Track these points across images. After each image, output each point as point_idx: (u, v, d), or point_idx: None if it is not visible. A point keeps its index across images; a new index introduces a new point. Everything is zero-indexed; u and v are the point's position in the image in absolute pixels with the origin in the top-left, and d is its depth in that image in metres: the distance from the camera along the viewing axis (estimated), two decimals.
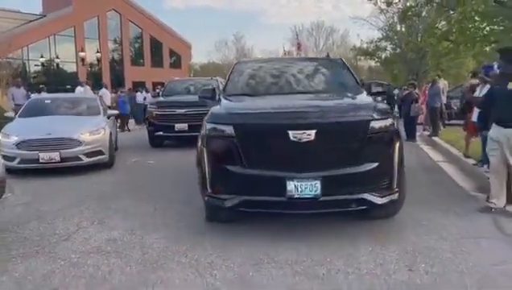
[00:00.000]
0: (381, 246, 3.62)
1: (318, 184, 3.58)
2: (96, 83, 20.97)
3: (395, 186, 3.83)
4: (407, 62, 26.27)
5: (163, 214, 4.77)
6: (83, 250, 3.73)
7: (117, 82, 31.74)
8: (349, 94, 4.66)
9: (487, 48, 10.68)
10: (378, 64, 30.77)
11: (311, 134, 3.60)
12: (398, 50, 27.50)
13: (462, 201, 5.06)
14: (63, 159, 6.92)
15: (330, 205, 3.71)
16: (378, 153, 3.76)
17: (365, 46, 28.09)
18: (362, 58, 31.33)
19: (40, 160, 6.83)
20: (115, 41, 36.48)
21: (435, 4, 10.77)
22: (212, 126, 3.96)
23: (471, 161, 6.86)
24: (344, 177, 3.67)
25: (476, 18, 9.65)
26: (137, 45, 38.79)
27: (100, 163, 7.39)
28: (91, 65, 32.29)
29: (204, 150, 3.95)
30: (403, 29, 26.65)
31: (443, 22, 12.35)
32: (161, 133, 10.39)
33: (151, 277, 3.18)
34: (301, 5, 75.98)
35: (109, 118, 8.58)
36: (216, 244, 3.76)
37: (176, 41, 41.09)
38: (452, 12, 9.58)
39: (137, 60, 38.30)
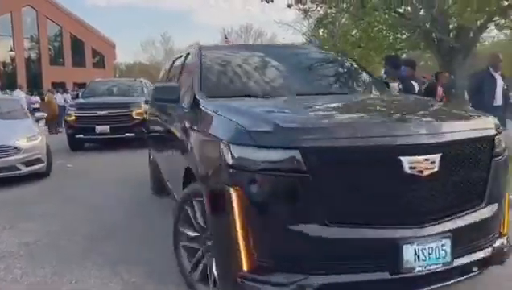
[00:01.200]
0: None
1: (448, 242, 2.21)
2: (9, 83, 19.60)
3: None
4: None
5: (82, 217, 4.80)
6: None
7: (35, 83, 29.89)
8: (386, 93, 3.72)
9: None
10: None
11: (435, 162, 2.18)
12: None
13: None
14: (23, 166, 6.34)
15: (462, 272, 2.34)
16: (499, 183, 2.51)
17: None
18: None
19: None
20: (32, 39, 34.24)
21: (347, 13, 11.65)
22: (252, 151, 2.18)
23: None
24: (476, 226, 2.37)
25: (383, 27, 10.62)
26: (56, 44, 36.74)
27: (39, 173, 6.74)
28: (4, 64, 30.11)
29: (234, 196, 2.18)
30: (325, 35, 28.06)
31: (355, 31, 13.34)
32: (81, 136, 10.12)
33: (66, 277, 3.27)
34: (230, 7, 76.73)
35: (37, 121, 8.05)
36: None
37: (99, 40, 39.55)
38: (361, 21, 10.42)
39: (56, 59, 36.26)
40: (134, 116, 10.16)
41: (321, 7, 12.28)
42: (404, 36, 10.78)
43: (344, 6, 11.03)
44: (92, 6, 71.50)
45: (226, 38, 35.30)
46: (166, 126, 4.12)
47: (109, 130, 9.97)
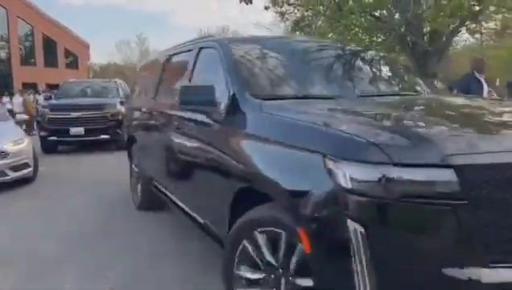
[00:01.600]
0: None
1: None
2: None
3: None
4: None
5: (55, 221, 4.65)
6: None
7: (5, 83, 28.97)
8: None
9: None
10: None
11: None
12: None
13: None
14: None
15: None
16: None
17: None
18: None
19: None
20: (1, 38, 33.21)
21: (323, 17, 11.76)
22: (384, 171, 1.64)
23: None
24: None
25: (360, 30, 10.78)
26: (27, 43, 35.72)
27: (24, 178, 6.36)
28: None
29: (359, 232, 1.67)
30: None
31: (332, 34, 13.49)
32: (54, 138, 9.81)
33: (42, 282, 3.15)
34: (206, 9, 76.49)
35: (18, 123, 7.65)
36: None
37: (72, 40, 38.69)
38: (338, 24, 10.54)
39: (27, 59, 35.24)
40: (110, 117, 9.95)
41: (298, 10, 12.37)
42: (380, 39, 10.97)
43: (321, 8, 11.14)
44: (66, 5, 70.04)
45: None
46: (179, 136, 3.34)
47: (83, 132, 9.75)
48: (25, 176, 6.32)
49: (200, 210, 3.09)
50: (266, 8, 10.95)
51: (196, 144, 3.03)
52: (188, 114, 3.14)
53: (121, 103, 11.06)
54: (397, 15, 9.85)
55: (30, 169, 6.44)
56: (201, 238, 3.35)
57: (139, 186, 4.80)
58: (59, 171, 7.60)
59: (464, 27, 10.03)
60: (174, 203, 3.63)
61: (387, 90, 3.16)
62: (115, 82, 12.47)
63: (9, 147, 6.08)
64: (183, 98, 2.74)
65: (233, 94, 2.59)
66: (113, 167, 7.39)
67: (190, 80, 3.32)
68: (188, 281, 3.04)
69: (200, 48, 3.43)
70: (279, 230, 1.98)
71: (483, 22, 10.35)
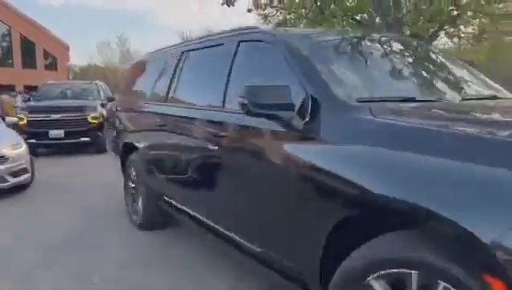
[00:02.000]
0: None
1: None
2: None
3: None
4: None
5: (39, 225, 4.54)
6: None
7: None
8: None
9: None
10: None
11: None
12: None
13: None
14: None
15: None
16: None
17: None
18: None
19: None
20: None
21: (306, 19, 11.85)
22: None
23: None
24: None
25: None
26: (4, 44, 34.91)
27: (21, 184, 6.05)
28: None
29: None
30: None
31: None
32: (33, 140, 9.35)
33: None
34: (187, 10, 76.22)
35: (9, 126, 7.26)
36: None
37: (51, 41, 37.99)
38: (320, 27, 10.63)
39: (4, 60, 34.43)
40: (90, 120, 9.82)
41: (281, 13, 12.44)
42: None
43: (303, 11, 11.23)
44: (45, 5, 68.81)
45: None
46: (223, 146, 2.73)
47: (63, 135, 9.58)
48: (23, 182, 6.05)
49: (254, 235, 2.51)
50: (249, 10, 10.98)
51: (252, 157, 2.48)
52: (241, 120, 2.52)
53: (103, 105, 10.98)
54: (378, 19, 9.99)
55: (28, 175, 6.15)
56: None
57: (140, 203, 4.16)
58: (45, 177, 7.44)
59: (443, 31, 10.25)
60: (199, 222, 3.13)
61: (481, 92, 2.69)
62: (96, 84, 12.34)
63: (7, 152, 5.79)
64: (251, 100, 2.15)
65: (312, 96, 2.08)
66: (98, 172, 7.28)
67: (228, 80, 2.82)
68: None
69: (240, 42, 2.88)
70: (427, 275, 1.45)
71: (461, 27, 10.59)
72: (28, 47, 35.92)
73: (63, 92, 11.72)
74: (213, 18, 74.47)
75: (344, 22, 9.71)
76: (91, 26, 74.32)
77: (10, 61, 34.76)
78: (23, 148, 6.16)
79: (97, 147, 9.81)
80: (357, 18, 9.95)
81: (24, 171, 6.03)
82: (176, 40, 46.77)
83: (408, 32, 9.49)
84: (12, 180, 5.80)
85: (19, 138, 6.39)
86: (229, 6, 9.53)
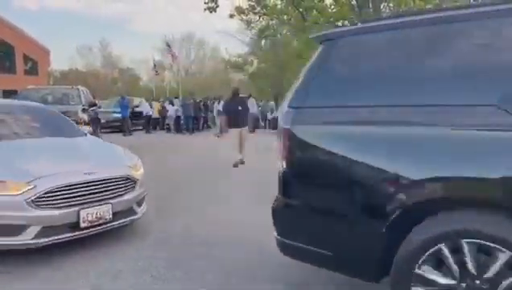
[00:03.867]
0: None
1: None
2: None
3: None
4: (270, 77, 28.26)
5: None
6: None
7: None
8: None
9: None
10: (246, 77, 32.47)
11: None
12: (263, 64, 29.42)
13: None
14: (114, 217, 4.10)
15: None
16: None
17: (233, 59, 29.59)
18: (233, 71, 32.73)
19: (81, 224, 3.82)
20: None
21: (288, 25, 11.96)
22: None
23: None
24: None
25: None
26: None
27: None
28: None
29: None
30: (268, 45, 28.63)
31: (297, 42, 13.74)
32: None
33: None
34: (169, 15, 76.02)
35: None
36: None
37: (31, 45, 37.33)
38: (301, 33, 10.73)
39: None
40: None
41: (263, 18, 12.52)
42: None
43: (285, 17, 11.33)
44: (20, 8, 67.71)
45: (168, 45, 34.94)
46: None
47: None
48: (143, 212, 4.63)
49: None
50: (231, 16, 11.02)
51: None
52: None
53: (83, 110, 10.91)
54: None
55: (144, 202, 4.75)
56: None
57: None
58: None
59: None
60: None
61: None
62: (77, 89, 12.26)
63: (134, 173, 4.49)
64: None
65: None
66: None
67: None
68: None
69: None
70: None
71: None
72: (7, 52, 35.24)
73: (43, 97, 11.45)
74: (195, 23, 74.44)
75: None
76: (70, 31, 73.50)
77: None
78: (142, 167, 4.84)
79: None
80: (339, 24, 10.08)
81: (144, 196, 4.68)
82: (159, 45, 46.25)
83: None
84: (139, 210, 4.49)
85: (134, 155, 5.06)
86: (210, 12, 9.56)
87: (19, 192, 3.58)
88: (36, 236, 3.59)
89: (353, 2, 9.43)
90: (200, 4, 10.06)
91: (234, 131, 9.21)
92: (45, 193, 3.64)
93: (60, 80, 45.24)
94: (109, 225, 4.05)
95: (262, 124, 23.29)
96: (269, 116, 22.86)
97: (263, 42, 29.41)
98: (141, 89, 50.68)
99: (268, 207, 2.83)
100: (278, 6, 11.54)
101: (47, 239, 3.64)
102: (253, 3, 10.41)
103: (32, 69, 37.69)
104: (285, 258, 2.81)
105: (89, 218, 3.85)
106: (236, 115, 9.13)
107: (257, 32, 21.39)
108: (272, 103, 27.25)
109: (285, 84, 27.19)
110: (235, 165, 8.87)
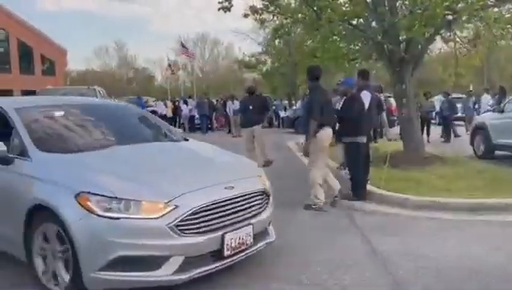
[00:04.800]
0: None
1: None
2: None
3: None
4: (284, 75, 28.15)
5: None
6: None
7: None
8: None
9: (346, 65, 12.12)
10: (260, 76, 32.45)
11: None
12: (276, 64, 29.31)
13: None
14: (254, 241, 3.49)
15: None
16: None
17: (247, 59, 29.59)
18: (246, 70, 32.70)
19: (225, 252, 3.20)
20: None
21: (302, 24, 11.87)
22: None
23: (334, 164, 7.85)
24: None
25: (338, 38, 10.92)
26: (1, 49, 34.93)
27: None
28: None
29: None
30: (281, 44, 28.50)
31: (310, 41, 13.66)
32: None
33: None
34: (184, 15, 76.39)
35: None
36: None
37: (49, 46, 37.96)
38: (316, 32, 10.65)
39: (1, 66, 34.48)
40: None
41: (277, 18, 12.47)
42: (357, 47, 11.14)
43: (300, 16, 11.25)
44: (41, 10, 68.90)
45: (183, 46, 35.08)
46: None
47: None
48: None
49: None
50: (246, 16, 10.99)
51: None
52: None
53: None
54: (373, 24, 10.01)
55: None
56: None
57: None
58: None
59: (439, 36, 10.26)
60: None
61: None
62: (94, 89, 12.40)
63: (267, 186, 3.85)
64: None
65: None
66: None
67: None
68: None
69: None
70: None
71: (457, 31, 10.62)
72: (26, 53, 35.92)
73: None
74: (209, 23, 74.58)
75: (341, 27, 9.72)
76: (86, 31, 74.41)
77: (8, 66, 34.75)
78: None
79: None
80: (353, 22, 9.97)
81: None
82: (174, 45, 46.56)
83: (404, 36, 9.54)
84: (272, 233, 3.88)
85: (254, 162, 4.50)
86: (225, 11, 9.56)
87: (159, 215, 2.91)
88: (179, 270, 2.93)
89: (368, 0, 9.30)
90: (213, 4, 10.05)
91: (246, 132, 9.11)
92: (189, 215, 2.97)
93: (77, 80, 45.93)
94: (249, 251, 3.37)
95: (276, 123, 23.30)
96: (282, 114, 22.89)
97: (276, 41, 29.32)
98: (155, 88, 51.08)
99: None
100: (292, 5, 11.46)
101: (190, 273, 2.98)
102: (266, 2, 10.37)
103: (50, 70, 38.33)
104: None
105: (233, 244, 3.17)
106: (248, 114, 9.00)
107: (270, 31, 21.38)
108: (285, 102, 27.20)
109: (299, 83, 27.12)
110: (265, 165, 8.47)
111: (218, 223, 3.12)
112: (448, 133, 14.95)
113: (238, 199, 3.28)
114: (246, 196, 3.37)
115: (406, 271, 3.63)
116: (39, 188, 3.16)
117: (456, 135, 15.22)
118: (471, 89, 22.15)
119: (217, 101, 24.40)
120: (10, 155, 3.46)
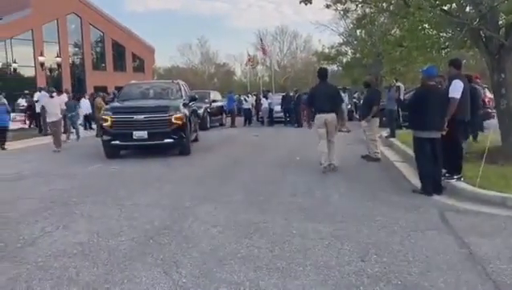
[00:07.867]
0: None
1: None
2: (56, 88, 20.18)
3: None
4: (366, 67, 27.20)
5: (129, 217, 4.88)
6: (49, 253, 3.81)
7: (79, 87, 31.06)
8: None
9: (434, 54, 11.32)
10: (340, 68, 31.70)
11: None
12: (358, 55, 28.43)
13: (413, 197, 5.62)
14: None
15: None
16: None
17: (326, 51, 29.07)
18: (325, 63, 32.18)
19: None
20: (75, 45, 35.65)
21: (387, 12, 11.35)
22: None
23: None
24: None
25: (427, 26, 10.26)
26: (98, 49, 38.07)
27: None
28: (50, 70, 31.40)
29: None
30: (363, 35, 27.58)
31: (396, 30, 13.02)
32: (117, 142, 9.44)
33: (118, 276, 3.32)
34: (262, 10, 76.96)
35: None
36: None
37: (139, 45, 40.64)
38: (404, 20, 10.11)
39: (98, 64, 37.60)
40: (173, 120, 9.39)
41: (361, 6, 12.04)
42: (449, 35, 10.37)
43: (385, 5, 10.74)
44: (131, 11, 73.80)
45: (261, 40, 35.45)
46: None
47: (146, 136, 9.23)
48: None
49: None
50: (328, 6, 10.75)
51: None
52: None
53: (185, 105, 10.41)
54: (468, 8, 9.24)
55: None
56: None
57: None
58: (129, 169, 7.95)
59: None
60: None
61: None
62: (177, 83, 11.91)
63: None
64: None
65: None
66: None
67: None
68: None
69: None
70: None
71: None
72: (119, 52, 38.79)
73: (145, 91, 11.47)
74: (287, 16, 74.37)
75: (432, 14, 9.10)
76: (171, 30, 78.18)
77: (104, 65, 37.80)
78: None
79: (180, 149, 9.74)
80: (445, 8, 9.29)
81: None
82: (253, 40, 47.01)
83: (504, 21, 8.69)
84: None
85: None
86: (306, 4, 9.42)
87: None
88: None
89: None
90: None
91: (316, 122, 7.69)
92: None
93: (163, 76, 48.52)
94: None
95: (357, 116, 22.61)
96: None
97: (358, 31, 28.39)
98: (235, 83, 52.28)
99: None
100: None
101: None
102: None
103: (139, 67, 41.04)
104: None
105: None
106: (316, 102, 7.78)
107: (353, 21, 20.76)
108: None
109: (383, 74, 26.00)
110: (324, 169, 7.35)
111: None
112: None
113: None
114: None
115: (509, 277, 3.31)
116: None
117: None
118: None
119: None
120: None
